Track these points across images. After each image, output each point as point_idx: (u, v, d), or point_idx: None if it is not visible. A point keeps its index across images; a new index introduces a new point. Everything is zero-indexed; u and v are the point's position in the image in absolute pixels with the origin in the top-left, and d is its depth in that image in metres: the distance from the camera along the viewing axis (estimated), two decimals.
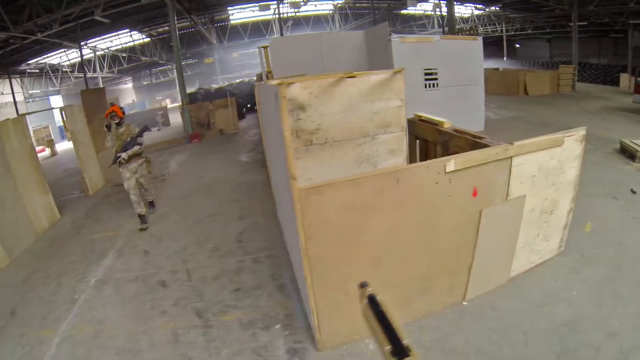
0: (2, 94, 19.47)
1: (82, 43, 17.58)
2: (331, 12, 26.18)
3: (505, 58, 29.40)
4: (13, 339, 4.03)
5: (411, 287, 3.33)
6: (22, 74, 21.07)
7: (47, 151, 18.58)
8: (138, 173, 6.50)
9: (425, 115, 4.67)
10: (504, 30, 27.51)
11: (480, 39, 9.67)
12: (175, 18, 14.32)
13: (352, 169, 4.87)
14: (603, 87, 18.37)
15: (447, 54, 9.31)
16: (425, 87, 9.46)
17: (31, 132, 17.60)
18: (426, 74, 9.36)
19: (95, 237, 6.54)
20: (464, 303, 3.67)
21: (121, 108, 6.50)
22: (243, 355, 3.36)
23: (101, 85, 24.77)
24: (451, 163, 3.03)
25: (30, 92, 22.70)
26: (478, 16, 26.53)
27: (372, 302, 0.90)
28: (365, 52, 9.98)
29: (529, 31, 25.97)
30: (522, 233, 3.70)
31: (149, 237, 6.26)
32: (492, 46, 30.53)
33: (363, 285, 1.00)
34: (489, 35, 28.76)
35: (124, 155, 6.10)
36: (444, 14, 20.67)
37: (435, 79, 9.46)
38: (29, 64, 20.57)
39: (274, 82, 4.36)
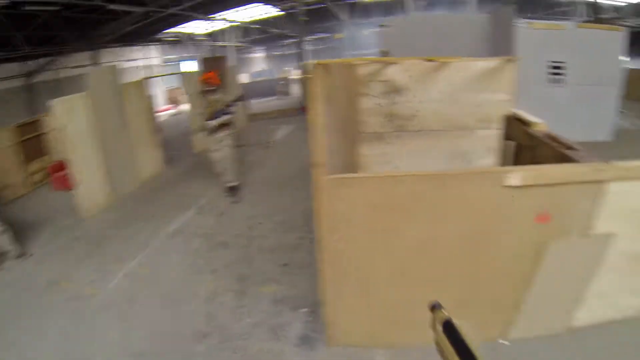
0: (142, 59, 22.20)
1: (213, 15, 19.24)
2: None
3: None
4: (92, 266, 4.81)
5: None
6: (160, 41, 23.30)
7: (176, 109, 21.28)
8: (224, 143, 6.21)
9: (521, 113, 3.97)
10: None
11: (623, 31, 7.81)
12: None
13: (445, 163, 4.49)
14: None
15: (580, 46, 7.77)
16: (549, 82, 8.09)
17: (163, 92, 22.00)
18: (552, 67, 7.99)
19: (186, 191, 7.22)
20: (503, 342, 3.05)
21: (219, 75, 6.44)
22: (260, 328, 3.43)
23: (231, 54, 26.69)
24: (514, 176, 2.49)
25: (165, 57, 25.00)
26: (636, 4, 21.44)
27: (449, 328, 0.77)
28: (487, 39, 8.81)
29: None
30: (599, 279, 2.85)
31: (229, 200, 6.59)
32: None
33: (435, 307, 0.86)
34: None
35: (213, 122, 6.00)
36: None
37: (562, 74, 8.03)
38: (165, 33, 22.64)
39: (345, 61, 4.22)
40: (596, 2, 13.67)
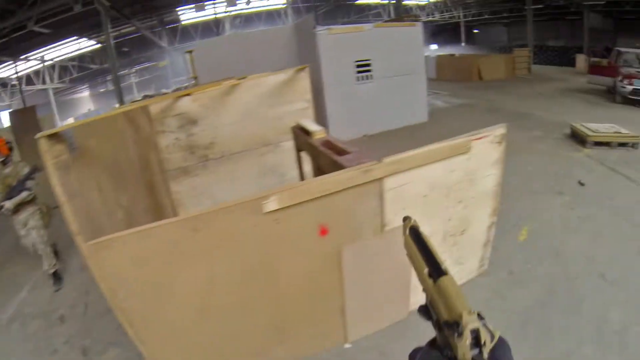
0: None
1: (25, 55, 17.08)
2: (284, 5, 25.14)
3: (463, 44, 28.99)
4: None
5: (262, 336, 2.63)
6: None
7: None
8: (29, 225, 4.96)
9: (305, 122, 3.76)
10: (461, 16, 27.08)
11: (419, 25, 8.95)
12: (110, 25, 13.35)
13: (257, 181, 4.47)
14: (560, 69, 18.08)
15: (382, 43, 8.55)
16: (358, 80, 8.65)
17: None
18: (358, 66, 8.55)
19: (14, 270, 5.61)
20: (347, 346, 2.94)
21: (7, 143, 4.90)
22: None
23: (52, 97, 24.03)
24: (271, 201, 2.17)
25: None
26: (435, 3, 25.99)
27: (414, 232, 0.97)
28: (295, 48, 9.15)
29: (486, 16, 25.59)
30: None
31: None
32: (450, 32, 30.16)
33: (405, 218, 1.06)
34: (447, 22, 28.32)
35: (7, 204, 4.60)
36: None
37: (369, 70, 8.67)
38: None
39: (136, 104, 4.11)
40: (399, 3, 15.64)
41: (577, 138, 7.48)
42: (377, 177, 2.42)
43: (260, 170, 4.48)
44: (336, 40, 8.13)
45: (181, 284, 2.40)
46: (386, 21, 16.44)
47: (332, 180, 2.31)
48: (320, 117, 8.85)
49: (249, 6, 22.53)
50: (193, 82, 10.12)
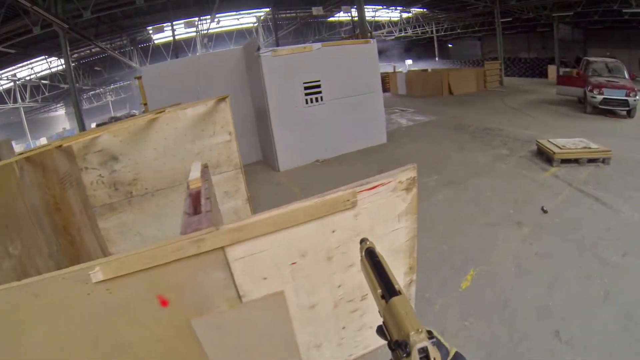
0: None
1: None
2: (255, 25, 24.97)
3: (437, 58, 29.12)
4: None
5: None
6: None
7: None
8: None
9: (193, 166, 3.10)
10: (434, 31, 27.16)
11: (373, 42, 8.48)
12: (73, 46, 12.85)
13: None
14: (532, 80, 18.03)
15: (332, 62, 8.05)
16: (307, 102, 8.08)
17: None
18: (306, 88, 7.99)
19: None
20: None
21: None
22: None
23: (23, 115, 24.11)
24: (96, 272, 1.59)
25: None
26: (407, 19, 26.07)
27: (370, 254, 0.98)
28: (244, 72, 8.63)
29: (459, 30, 25.72)
30: (307, 333, 2.22)
31: None
32: (424, 47, 30.28)
33: (363, 240, 1.06)
34: (420, 37, 28.42)
35: None
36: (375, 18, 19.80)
37: (319, 92, 8.11)
38: None
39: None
40: (362, 19, 15.37)
41: (544, 156, 6.96)
42: (214, 247, 1.76)
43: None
44: (281, 62, 7.60)
45: (26, 352, 1.95)
46: (344, 38, 16.12)
47: (162, 250, 1.72)
48: (268, 144, 8.30)
49: (218, 25, 22.22)
50: (143, 109, 9.52)
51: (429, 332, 0.68)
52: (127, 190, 4.23)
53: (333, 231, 2.04)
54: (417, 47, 30.90)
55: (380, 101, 8.68)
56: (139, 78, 9.27)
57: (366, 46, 8.34)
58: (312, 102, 8.04)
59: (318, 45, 7.89)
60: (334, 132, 8.26)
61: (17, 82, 22.10)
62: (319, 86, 8.00)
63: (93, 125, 19.46)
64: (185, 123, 4.11)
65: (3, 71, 19.23)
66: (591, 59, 11.32)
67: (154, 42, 24.66)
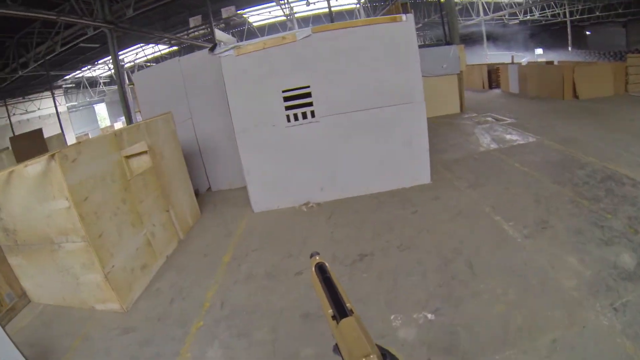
0: (39, 109, 21.95)
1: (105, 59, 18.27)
2: (357, 6, 21.73)
3: (570, 48, 21.77)
4: None
5: None
6: (59, 88, 22.46)
7: None
8: None
9: None
10: (567, 14, 20.29)
11: (407, 19, 4.89)
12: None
13: (59, 279, 3.79)
14: None
15: (332, 57, 4.96)
16: (290, 119, 5.17)
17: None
18: (288, 99, 5.10)
19: None
20: None
21: None
22: None
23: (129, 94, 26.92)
24: None
25: (68, 104, 24.66)
26: None
27: (321, 269, 0.90)
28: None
29: (598, 13, 18.44)
30: None
31: None
32: (554, 34, 23.02)
33: (313, 255, 0.95)
34: (550, 21, 21.63)
35: None
36: None
37: (309, 104, 5.10)
38: (65, 80, 21.93)
39: None
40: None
41: None
42: None
43: (58, 268, 3.77)
44: (250, 63, 4.92)
45: None
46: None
47: None
48: (240, 178, 5.74)
49: (309, 8, 19.80)
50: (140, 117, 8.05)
51: (384, 355, 0.62)
52: (15, 237, 3.87)
53: None
54: (546, 33, 24.02)
55: (421, 117, 5.18)
56: (132, 84, 7.76)
57: (394, 27, 4.88)
58: (297, 118, 5.11)
59: (306, 31, 4.81)
60: (335, 163, 5.23)
61: (126, 65, 22.82)
62: (308, 95, 4.99)
63: None
64: (29, 182, 3.48)
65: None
66: None
67: (252, 25, 23.37)
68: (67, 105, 24.93)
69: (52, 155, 3.23)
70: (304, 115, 5.07)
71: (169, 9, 14.62)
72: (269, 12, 21.08)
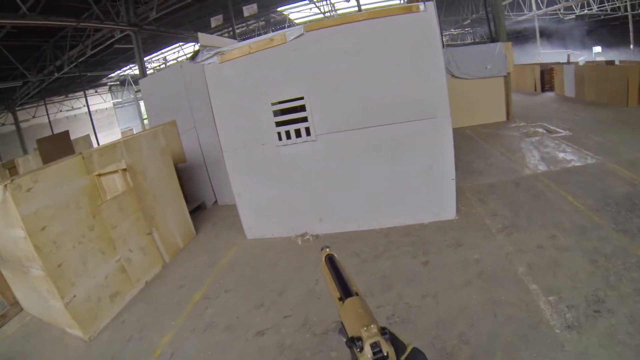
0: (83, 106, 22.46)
1: (149, 56, 18.36)
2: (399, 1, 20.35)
3: (632, 46, 18.76)
4: None
5: None
6: (103, 85, 23.47)
7: None
8: None
9: None
10: (628, 7, 17.48)
11: (426, 8, 3.70)
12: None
13: (35, 298, 3.65)
14: None
15: (330, 61, 3.97)
16: (280, 138, 4.26)
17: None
18: (279, 113, 4.21)
19: None
20: None
21: None
22: None
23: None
24: None
25: (114, 100, 25.53)
26: None
27: (330, 260, 0.97)
28: None
29: None
30: None
31: None
32: (614, 31, 20.11)
33: (323, 248, 1.05)
34: (609, 16, 18.92)
35: None
36: None
37: (303, 119, 4.15)
38: (110, 77, 22.61)
39: None
40: None
41: None
42: None
43: (34, 291, 3.61)
44: (235, 71, 4.09)
45: None
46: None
47: None
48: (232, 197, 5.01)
49: (349, 4, 18.78)
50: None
51: (383, 329, 0.66)
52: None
53: None
54: (605, 29, 21.16)
55: (446, 136, 4.06)
56: (138, 91, 7.34)
57: (409, 20, 3.77)
58: (289, 136, 4.20)
59: (298, 29, 3.85)
60: (337, 190, 4.29)
61: (167, 64, 22.64)
62: (302, 109, 4.07)
63: None
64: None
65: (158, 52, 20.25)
66: None
67: (291, 23, 22.73)
68: (112, 101, 25.65)
69: (6, 185, 3.04)
70: (298, 133, 4.15)
71: (198, 9, 14.31)
72: (310, 9, 20.13)
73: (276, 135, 4.17)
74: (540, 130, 7.92)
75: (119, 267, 3.93)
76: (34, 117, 19.40)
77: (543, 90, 13.54)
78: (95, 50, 13.10)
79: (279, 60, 3.92)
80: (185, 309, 3.65)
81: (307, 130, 4.10)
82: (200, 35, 4.39)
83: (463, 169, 5.97)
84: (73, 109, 22.51)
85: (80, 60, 13.52)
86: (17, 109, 17.93)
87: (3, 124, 17.92)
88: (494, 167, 5.92)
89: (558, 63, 13.58)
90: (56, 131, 17.05)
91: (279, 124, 4.13)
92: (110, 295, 3.77)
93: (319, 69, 3.95)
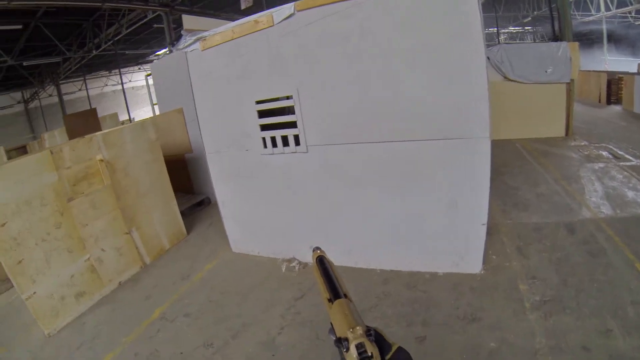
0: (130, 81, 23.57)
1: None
2: None
3: None
4: None
5: None
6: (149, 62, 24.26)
7: None
8: None
9: None
10: None
11: None
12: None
13: None
14: None
15: (330, 49, 2.95)
16: (265, 145, 3.38)
17: None
18: (264, 114, 3.29)
19: None
20: None
21: None
22: None
23: None
24: None
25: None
26: None
27: (320, 262, 0.97)
28: None
29: None
30: None
31: None
32: None
33: (314, 249, 1.06)
34: None
35: None
36: None
37: (292, 124, 3.20)
38: (157, 55, 23.13)
39: None
40: None
41: None
42: None
43: None
44: (218, 60, 3.29)
45: None
46: None
47: None
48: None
49: None
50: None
51: (369, 329, 0.68)
52: None
53: None
54: None
55: (481, 164, 2.93)
56: (149, 75, 7.15)
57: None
58: (275, 144, 3.33)
59: (288, 8, 2.89)
60: (331, 215, 3.40)
61: None
62: (290, 111, 3.16)
63: None
64: None
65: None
66: None
67: None
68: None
69: None
70: (285, 141, 3.26)
71: None
72: None
73: (261, 141, 3.32)
74: (605, 154, 6.39)
75: (88, 266, 3.80)
76: (79, 89, 20.10)
77: (609, 102, 11.51)
78: (131, 29, 13.10)
79: (265, 48, 3.05)
80: (140, 326, 3.31)
81: (296, 138, 3.20)
82: (185, 17, 3.61)
83: (504, 196, 4.78)
84: (118, 83, 23.27)
85: (117, 38, 13.58)
86: (60, 82, 18.84)
87: (50, 95, 18.75)
88: (544, 200, 4.63)
89: (627, 73, 11.49)
90: (98, 105, 17.45)
91: (264, 127, 3.26)
92: (76, 294, 3.67)
93: (312, 61, 3.01)
